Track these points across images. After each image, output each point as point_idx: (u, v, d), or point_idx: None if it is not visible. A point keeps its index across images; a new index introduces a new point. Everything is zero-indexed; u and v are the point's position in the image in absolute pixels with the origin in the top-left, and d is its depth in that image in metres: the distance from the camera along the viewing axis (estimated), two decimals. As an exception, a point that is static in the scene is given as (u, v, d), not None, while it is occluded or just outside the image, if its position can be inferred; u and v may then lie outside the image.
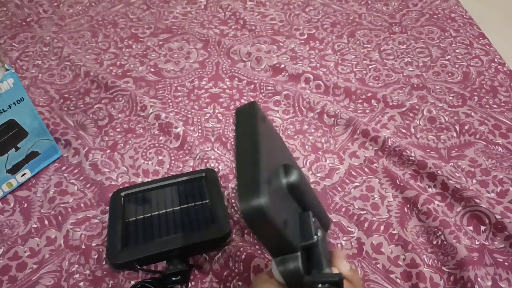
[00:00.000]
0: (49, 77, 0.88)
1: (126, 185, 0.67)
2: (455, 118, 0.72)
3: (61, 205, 0.64)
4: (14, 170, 0.66)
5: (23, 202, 0.65)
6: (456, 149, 0.68)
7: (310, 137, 0.72)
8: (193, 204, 0.61)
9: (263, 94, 0.80)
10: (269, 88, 0.81)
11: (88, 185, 0.67)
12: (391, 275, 0.54)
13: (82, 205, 0.64)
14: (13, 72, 0.59)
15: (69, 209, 0.64)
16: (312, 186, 0.65)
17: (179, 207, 0.61)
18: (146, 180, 0.67)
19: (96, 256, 0.58)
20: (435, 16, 0.96)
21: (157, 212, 0.60)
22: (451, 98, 0.76)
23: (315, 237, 0.37)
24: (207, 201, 0.61)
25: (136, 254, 0.54)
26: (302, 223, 0.38)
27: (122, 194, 0.63)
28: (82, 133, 0.75)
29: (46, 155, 0.69)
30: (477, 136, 0.70)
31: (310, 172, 0.67)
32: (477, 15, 0.97)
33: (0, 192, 0.65)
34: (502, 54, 0.85)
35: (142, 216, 0.60)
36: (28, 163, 0.67)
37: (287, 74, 0.84)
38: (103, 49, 0.94)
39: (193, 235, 0.56)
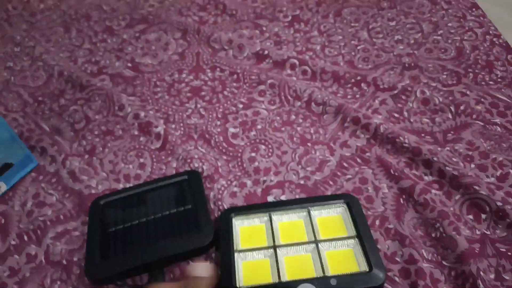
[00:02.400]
0: (21, 79, 0.83)
1: (107, 192, 0.63)
2: (450, 98, 0.68)
3: (40, 218, 0.61)
4: (-13, 184, 0.62)
5: (0, 217, 0.62)
6: (452, 132, 0.65)
7: (298, 128, 0.69)
8: (175, 210, 0.57)
9: (247, 84, 0.76)
10: (253, 77, 0.77)
11: (67, 195, 0.63)
12: (389, 273, 0.51)
13: (61, 217, 0.61)
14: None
15: (48, 222, 0.60)
16: (302, 182, 0.62)
17: (160, 214, 0.57)
18: (128, 185, 0.64)
19: (78, 272, 0.55)
20: (425, -12, 0.91)
21: (137, 221, 0.57)
22: (444, 76, 0.72)
23: None
24: (190, 206, 0.57)
25: (115, 268, 0.51)
26: None
27: (101, 202, 0.59)
28: (58, 138, 0.71)
29: (21, 165, 0.65)
30: (474, 116, 0.66)
31: (300, 167, 0.63)
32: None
33: (-26, 209, 0.62)
34: (498, 21, 0.81)
35: (122, 226, 0.56)
36: (2, 175, 0.63)
37: (271, 60, 0.79)
38: (76, 46, 0.89)
39: (174, 245, 0.53)
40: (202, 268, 0.43)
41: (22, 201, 0.64)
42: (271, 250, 0.53)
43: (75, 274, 0.55)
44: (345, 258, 0.52)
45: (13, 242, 0.59)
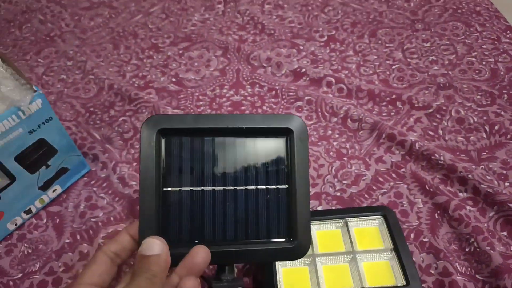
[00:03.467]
0: (74, 91, 0.90)
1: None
2: (484, 118, 0.70)
3: (92, 219, 0.66)
4: (45, 186, 0.67)
5: (55, 217, 0.67)
6: (486, 151, 0.66)
7: (335, 143, 0.72)
8: (264, 187, 0.40)
9: (285, 100, 0.80)
10: (291, 93, 0.80)
11: (117, 199, 0.68)
12: (423, 285, 0.53)
13: (112, 218, 0.66)
14: (41, 93, 0.60)
15: (100, 223, 0.65)
16: (339, 194, 0.64)
17: (244, 187, 0.40)
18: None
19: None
20: (458, 11, 0.93)
21: (212, 188, 0.40)
22: (479, 97, 0.74)
23: None
24: (286, 186, 0.40)
25: (178, 257, 0.38)
26: None
27: (159, 128, 0.40)
28: (108, 146, 0.76)
29: (75, 170, 0.71)
30: (508, 136, 0.67)
31: (336, 180, 0.66)
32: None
33: (34, 209, 0.67)
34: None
35: (189, 189, 0.40)
36: (59, 179, 0.69)
37: (308, 78, 0.83)
38: (125, 61, 0.95)
39: (258, 249, 0.39)
40: (151, 245, 0.37)
41: (76, 203, 0.69)
42: (310, 259, 0.55)
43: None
44: (382, 270, 0.54)
45: (67, 241, 0.64)
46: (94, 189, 0.70)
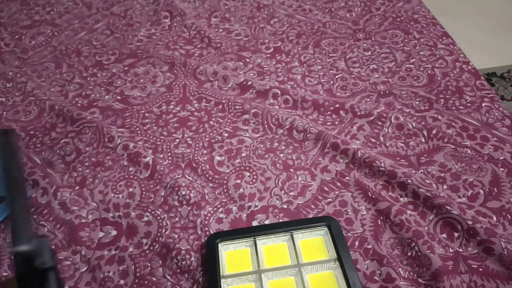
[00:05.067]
0: (14, 114, 0.86)
1: (97, 222, 0.65)
2: (423, 123, 0.73)
3: (31, 249, 0.63)
4: (-20, 217, 0.64)
5: (-8, 249, 0.64)
6: (425, 155, 0.68)
7: (281, 155, 0.72)
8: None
9: (232, 114, 0.80)
10: (238, 107, 0.80)
11: (58, 225, 0.65)
12: (368, 292, 0.54)
13: (53, 247, 0.63)
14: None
15: (40, 253, 0.62)
16: (285, 206, 0.64)
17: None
18: (118, 214, 0.66)
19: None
20: (398, 19, 0.97)
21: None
22: (417, 102, 0.77)
23: None
24: None
25: None
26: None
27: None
28: (49, 171, 0.74)
29: (13, 198, 0.67)
30: (445, 140, 0.70)
31: (283, 192, 0.66)
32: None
33: (-33, 242, 0.63)
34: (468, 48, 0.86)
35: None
36: (-5, 209, 0.65)
37: (254, 91, 0.83)
38: (67, 80, 0.92)
39: None
40: None
41: (14, 233, 0.65)
42: (256, 275, 0.55)
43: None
44: (326, 280, 0.54)
45: (5, 274, 0.61)
46: (34, 216, 0.67)
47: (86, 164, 0.74)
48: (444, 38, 0.91)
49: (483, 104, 0.75)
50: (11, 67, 0.97)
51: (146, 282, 0.58)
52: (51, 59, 0.99)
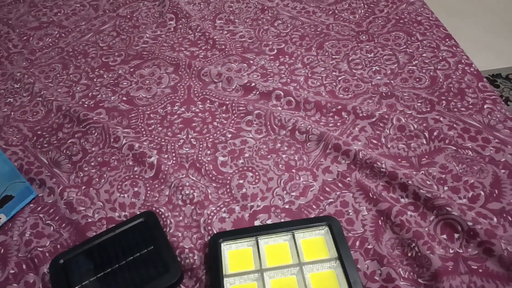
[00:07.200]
0: (21, 114, 0.87)
1: (103, 221, 0.67)
2: (424, 124, 0.73)
3: (38, 248, 0.64)
4: (-12, 215, 0.65)
5: (0, 247, 0.65)
6: (426, 156, 0.69)
7: (283, 156, 0.73)
8: (138, 254, 0.59)
9: (235, 115, 0.81)
10: (241, 108, 0.81)
11: (64, 225, 0.67)
12: (369, 292, 0.55)
13: (58, 246, 0.64)
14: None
15: (46, 253, 0.63)
16: (287, 206, 0.65)
17: (124, 261, 0.59)
18: (124, 214, 0.67)
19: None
20: (401, 21, 0.97)
21: (102, 273, 0.58)
22: (419, 104, 0.77)
23: None
24: (152, 247, 0.60)
25: None
26: None
27: (61, 261, 0.60)
28: (56, 170, 0.75)
29: (20, 197, 0.69)
30: (447, 141, 0.70)
31: (285, 192, 0.67)
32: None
33: (-24, 240, 0.65)
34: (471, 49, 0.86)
35: (87, 281, 0.57)
36: (2, 208, 0.67)
37: (258, 92, 0.84)
38: (74, 81, 0.94)
39: None
40: None
41: (21, 231, 0.67)
42: (258, 274, 0.56)
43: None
44: (327, 279, 0.55)
45: (12, 271, 0.62)
46: (41, 215, 0.69)
47: (92, 164, 0.75)
48: (447, 40, 0.92)
49: (485, 106, 0.75)
50: (19, 68, 0.99)
51: (150, 280, 0.59)
52: (58, 60, 1.00)
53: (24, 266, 0.62)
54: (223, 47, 0.97)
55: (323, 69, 0.88)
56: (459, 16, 1.03)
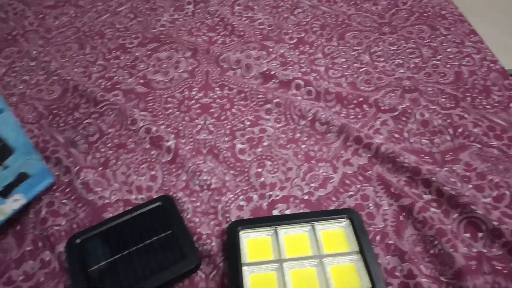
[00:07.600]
0: (37, 92, 0.86)
1: (120, 203, 0.66)
2: (448, 120, 0.72)
3: (54, 227, 0.63)
4: (6, 192, 0.64)
5: (15, 224, 0.65)
6: (450, 153, 0.68)
7: (303, 146, 0.72)
8: (156, 237, 0.59)
9: (254, 103, 0.79)
10: (260, 96, 0.80)
11: (80, 205, 0.66)
12: (389, 287, 0.54)
13: (74, 225, 0.64)
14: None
15: (62, 232, 0.63)
16: (306, 197, 0.64)
17: (142, 244, 0.58)
18: (141, 196, 0.67)
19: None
20: (425, 15, 0.95)
21: (119, 255, 0.57)
22: (443, 100, 0.76)
23: None
24: (170, 231, 0.59)
25: None
26: None
27: (78, 241, 0.59)
28: (72, 150, 0.74)
29: (37, 178, 0.67)
30: (471, 138, 0.69)
31: (304, 183, 0.66)
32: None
33: (-6, 217, 0.64)
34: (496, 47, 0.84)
35: (104, 262, 0.57)
36: (19, 187, 0.66)
37: (277, 81, 0.83)
38: (90, 61, 0.92)
39: (164, 274, 0.54)
40: None
41: (37, 208, 0.66)
42: (278, 264, 0.55)
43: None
44: (348, 273, 0.54)
45: (28, 248, 0.62)
46: (57, 194, 0.68)
47: (109, 145, 0.74)
48: (472, 36, 0.90)
49: (511, 105, 0.74)
50: (35, 46, 0.98)
51: (166, 264, 0.58)
52: (74, 40, 0.99)
53: (40, 244, 0.62)
54: (242, 33, 0.95)
55: (344, 60, 0.87)
56: (479, 15, 1.00)
